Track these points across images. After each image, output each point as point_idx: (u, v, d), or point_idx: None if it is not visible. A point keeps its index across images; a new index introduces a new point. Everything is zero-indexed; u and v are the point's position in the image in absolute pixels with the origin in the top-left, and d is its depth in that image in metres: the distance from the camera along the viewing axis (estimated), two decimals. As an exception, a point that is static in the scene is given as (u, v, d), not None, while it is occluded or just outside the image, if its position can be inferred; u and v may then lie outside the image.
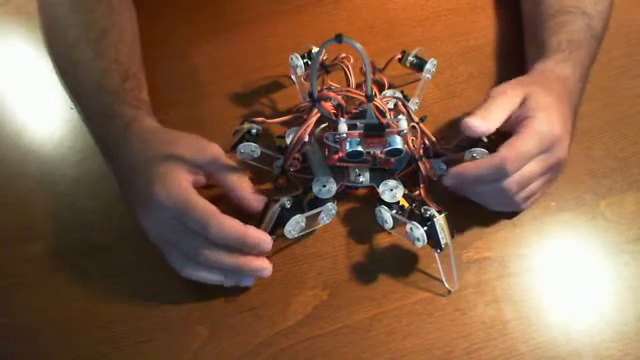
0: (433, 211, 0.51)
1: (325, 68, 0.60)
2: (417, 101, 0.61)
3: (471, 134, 0.52)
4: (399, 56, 0.61)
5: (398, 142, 0.51)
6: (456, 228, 0.53)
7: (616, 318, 0.52)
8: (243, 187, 0.53)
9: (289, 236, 0.51)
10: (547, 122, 0.52)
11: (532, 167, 0.52)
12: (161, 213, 0.49)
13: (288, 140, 0.56)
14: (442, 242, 0.50)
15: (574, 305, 0.53)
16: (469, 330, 0.51)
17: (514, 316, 0.52)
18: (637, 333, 0.51)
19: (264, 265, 0.51)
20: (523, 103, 0.53)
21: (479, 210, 0.57)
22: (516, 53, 0.67)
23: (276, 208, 0.52)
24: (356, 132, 0.51)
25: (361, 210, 0.57)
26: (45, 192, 0.60)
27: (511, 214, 0.56)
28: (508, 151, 0.50)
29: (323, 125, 0.55)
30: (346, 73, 0.58)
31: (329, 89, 0.56)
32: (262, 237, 0.49)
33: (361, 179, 0.56)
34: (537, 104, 0.53)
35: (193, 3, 0.72)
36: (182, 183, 0.50)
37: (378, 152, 0.53)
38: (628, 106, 0.62)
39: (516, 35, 0.69)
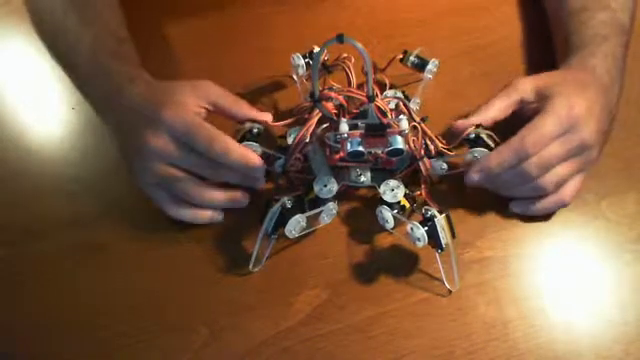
0: (434, 211, 0.50)
1: (326, 68, 0.60)
2: (418, 101, 0.61)
3: (457, 130, 0.55)
4: (400, 56, 0.61)
5: (399, 142, 0.51)
6: (457, 227, 0.53)
7: (617, 318, 0.52)
8: (245, 110, 0.56)
9: (290, 236, 0.51)
10: (565, 104, 0.52)
11: (552, 148, 0.51)
12: (166, 135, 0.51)
13: (289, 140, 0.56)
14: (443, 242, 0.50)
15: (575, 305, 0.52)
16: (470, 330, 0.51)
17: (515, 316, 0.52)
18: (638, 333, 0.51)
19: (256, 167, 0.53)
20: (539, 93, 0.54)
21: (480, 209, 0.57)
22: (518, 53, 0.68)
23: (277, 208, 0.52)
24: (357, 132, 0.51)
25: (362, 210, 0.57)
26: (45, 192, 0.60)
27: (513, 215, 0.56)
28: (526, 131, 0.51)
29: (324, 125, 0.55)
30: (347, 73, 0.58)
31: (330, 89, 0.56)
32: (258, 161, 0.52)
33: (362, 179, 0.56)
34: (554, 91, 0.53)
35: (193, 4, 0.72)
36: (191, 110, 0.53)
37: (379, 152, 0.53)
38: (630, 106, 0.61)
39: (518, 35, 0.69)
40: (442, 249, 0.50)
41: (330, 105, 0.53)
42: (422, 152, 0.55)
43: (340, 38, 0.44)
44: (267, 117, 0.57)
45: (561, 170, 0.53)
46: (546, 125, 0.51)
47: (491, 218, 0.57)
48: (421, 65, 0.60)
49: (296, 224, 0.51)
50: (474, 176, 0.53)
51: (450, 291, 0.53)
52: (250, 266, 0.53)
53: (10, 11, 0.72)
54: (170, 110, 0.51)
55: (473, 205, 0.57)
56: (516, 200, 0.56)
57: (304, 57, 0.59)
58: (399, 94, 0.61)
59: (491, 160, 0.52)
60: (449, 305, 0.52)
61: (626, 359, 0.50)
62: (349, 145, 0.51)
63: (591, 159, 0.54)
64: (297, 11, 0.72)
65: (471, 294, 0.53)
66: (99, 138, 0.61)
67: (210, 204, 0.55)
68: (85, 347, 0.51)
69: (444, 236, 0.50)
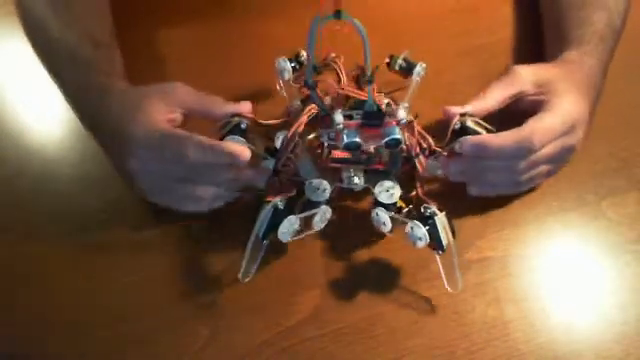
0: (434, 209, 0.50)
1: (315, 69, 0.53)
2: (407, 105, 0.54)
3: (445, 115, 0.53)
4: (387, 61, 0.58)
5: (397, 132, 0.49)
6: (457, 227, 0.53)
7: (617, 318, 0.52)
8: (221, 106, 0.54)
9: (283, 239, 0.50)
10: (571, 103, 0.52)
11: (547, 149, 0.51)
12: (142, 153, 0.50)
13: (278, 142, 0.54)
14: (444, 242, 0.49)
15: (576, 305, 0.53)
16: (470, 330, 0.51)
17: (515, 316, 0.52)
18: (638, 333, 0.51)
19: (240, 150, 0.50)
20: (541, 86, 0.54)
21: (480, 210, 0.57)
22: (518, 52, 0.68)
23: (268, 209, 0.49)
24: (353, 122, 0.49)
25: (360, 210, 0.57)
26: (45, 192, 0.60)
27: (513, 215, 0.56)
28: (535, 126, 0.50)
29: (312, 136, 0.53)
30: (338, 72, 0.56)
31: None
32: (239, 149, 0.49)
33: (355, 181, 0.54)
34: (558, 86, 0.53)
35: (183, 12, 0.71)
36: (160, 120, 0.51)
37: (376, 146, 0.51)
38: (630, 106, 0.62)
39: (518, 34, 0.69)
40: (443, 250, 0.49)
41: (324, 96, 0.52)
42: (417, 149, 0.53)
43: (338, 14, 0.42)
44: (246, 106, 0.54)
45: (541, 169, 0.53)
46: (555, 122, 0.50)
47: (491, 218, 0.57)
48: (409, 68, 0.56)
49: (289, 226, 0.49)
50: (467, 145, 0.50)
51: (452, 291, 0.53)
52: (240, 275, 0.50)
53: (9, 11, 0.71)
54: (139, 126, 0.50)
55: (473, 205, 0.57)
56: (474, 184, 0.54)
57: (290, 61, 0.55)
58: (385, 100, 0.56)
59: (492, 141, 0.50)
60: (449, 305, 0.52)
61: (626, 359, 0.50)
62: (345, 136, 0.48)
63: (566, 162, 0.55)
64: (287, 18, 0.70)
65: (471, 294, 0.53)
66: (99, 138, 0.61)
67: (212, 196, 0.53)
68: (85, 347, 0.51)
69: (444, 236, 0.49)
